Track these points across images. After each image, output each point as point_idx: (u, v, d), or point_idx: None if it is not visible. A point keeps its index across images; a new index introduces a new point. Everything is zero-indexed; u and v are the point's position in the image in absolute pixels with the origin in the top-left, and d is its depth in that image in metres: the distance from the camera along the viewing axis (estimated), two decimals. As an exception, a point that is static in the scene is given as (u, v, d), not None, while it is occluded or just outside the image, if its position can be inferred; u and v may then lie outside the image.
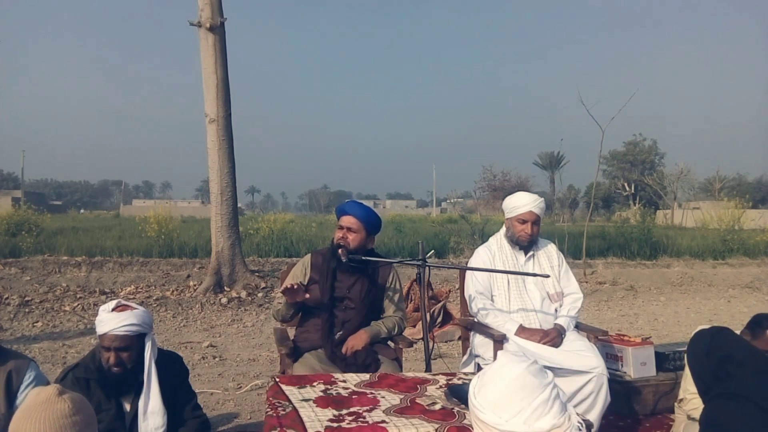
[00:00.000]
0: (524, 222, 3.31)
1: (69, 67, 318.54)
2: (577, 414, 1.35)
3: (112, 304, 2.33)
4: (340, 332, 2.99)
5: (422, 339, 2.86)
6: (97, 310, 2.35)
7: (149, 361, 2.31)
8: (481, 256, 3.42)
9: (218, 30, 8.91)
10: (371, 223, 3.09)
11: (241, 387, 4.60)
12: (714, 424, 2.09)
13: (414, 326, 6.12)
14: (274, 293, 8.30)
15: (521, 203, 3.32)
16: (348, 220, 3.05)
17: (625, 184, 44.79)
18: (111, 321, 2.25)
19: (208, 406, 4.03)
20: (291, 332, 3.27)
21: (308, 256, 3.21)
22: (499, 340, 3.08)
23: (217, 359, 5.54)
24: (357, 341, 2.94)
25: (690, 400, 2.75)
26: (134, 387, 2.32)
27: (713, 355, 2.33)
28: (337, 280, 3.05)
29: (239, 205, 13.43)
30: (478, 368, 3.30)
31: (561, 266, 3.44)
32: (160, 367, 2.35)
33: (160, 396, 2.30)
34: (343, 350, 2.92)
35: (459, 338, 5.03)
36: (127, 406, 2.32)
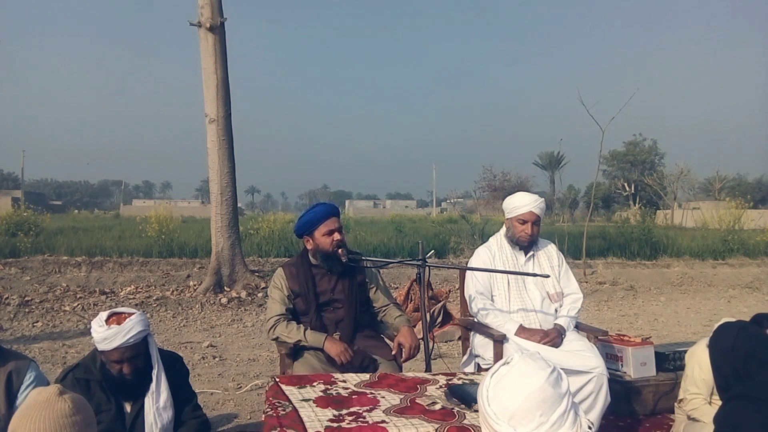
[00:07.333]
0: (524, 222, 3.31)
1: (69, 67, 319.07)
2: (584, 414, 1.34)
3: (104, 315, 2.24)
4: (337, 333, 2.99)
5: (422, 339, 2.86)
6: (97, 312, 2.31)
7: (156, 357, 2.33)
8: (481, 256, 3.42)
9: (218, 30, 8.92)
10: (339, 213, 3.13)
11: (241, 387, 4.60)
12: (730, 425, 2.06)
13: (414, 326, 6.11)
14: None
15: (521, 203, 3.32)
16: (336, 221, 3.03)
17: (625, 184, 44.80)
18: (118, 335, 2.18)
19: (208, 406, 4.02)
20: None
21: (280, 271, 3.09)
22: (499, 340, 3.08)
23: (217, 359, 5.54)
24: (406, 339, 2.91)
25: (690, 400, 2.74)
26: (140, 387, 2.31)
27: (738, 351, 2.30)
28: (317, 286, 3.03)
29: (239, 205, 13.42)
30: (478, 368, 3.31)
31: (561, 266, 3.45)
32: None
33: (169, 389, 2.32)
34: (404, 357, 2.88)
35: (459, 338, 5.03)
36: (128, 407, 2.32)
